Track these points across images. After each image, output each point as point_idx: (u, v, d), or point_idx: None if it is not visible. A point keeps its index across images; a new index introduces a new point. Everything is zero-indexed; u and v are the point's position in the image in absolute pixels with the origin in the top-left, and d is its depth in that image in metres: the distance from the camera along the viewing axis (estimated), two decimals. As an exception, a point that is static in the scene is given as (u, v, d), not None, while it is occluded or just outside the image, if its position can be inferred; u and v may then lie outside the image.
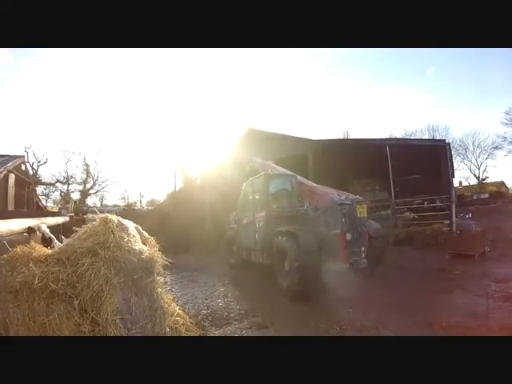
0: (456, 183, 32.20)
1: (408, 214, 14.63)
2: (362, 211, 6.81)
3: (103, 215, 3.29)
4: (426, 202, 15.50)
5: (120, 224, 3.25)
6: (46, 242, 3.38)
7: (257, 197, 8.58)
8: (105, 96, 70.64)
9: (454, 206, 13.02)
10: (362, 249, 6.54)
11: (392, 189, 14.03)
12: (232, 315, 5.50)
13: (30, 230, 3.21)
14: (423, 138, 39.96)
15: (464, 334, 4.06)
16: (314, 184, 8.52)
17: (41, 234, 3.25)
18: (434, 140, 30.24)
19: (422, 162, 16.01)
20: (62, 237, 6.02)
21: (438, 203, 14.69)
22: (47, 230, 3.45)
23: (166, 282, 7.70)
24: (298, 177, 8.73)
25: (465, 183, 40.16)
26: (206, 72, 71.71)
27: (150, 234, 3.70)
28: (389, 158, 13.91)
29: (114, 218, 3.30)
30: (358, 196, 7.34)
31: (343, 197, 7.07)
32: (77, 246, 2.96)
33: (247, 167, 10.90)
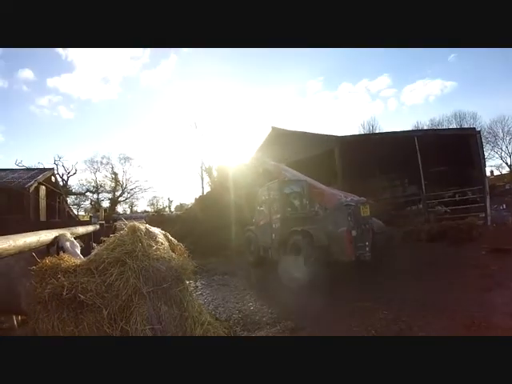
0: (487, 173, 31.09)
1: (440, 207, 14.11)
2: (365, 210, 7.87)
3: (131, 224, 3.25)
4: (456, 195, 14.87)
5: (148, 232, 3.20)
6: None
7: (272, 201, 9.47)
8: (130, 102, 71.85)
9: (488, 198, 12.47)
10: (367, 243, 7.55)
11: (422, 182, 13.60)
12: (264, 319, 5.37)
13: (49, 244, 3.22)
14: (450, 127, 38.87)
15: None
16: (324, 186, 9.37)
17: (55, 248, 3.23)
18: (463, 129, 29.20)
19: (451, 153, 15.50)
20: (94, 244, 6.09)
21: (469, 195, 14.15)
22: (67, 244, 3.41)
23: (197, 287, 7.77)
24: (309, 179, 9.72)
25: (496, 172, 38.60)
26: (230, 72, 72.21)
27: (178, 239, 3.65)
28: (417, 150, 13.52)
29: (142, 226, 3.25)
30: (362, 197, 8.28)
31: (349, 198, 8.06)
32: (105, 256, 2.92)
33: (260, 169, 11.68)
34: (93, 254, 4.21)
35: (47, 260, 2.98)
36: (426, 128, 39.28)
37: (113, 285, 2.73)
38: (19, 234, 2.57)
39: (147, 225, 3.36)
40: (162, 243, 3.18)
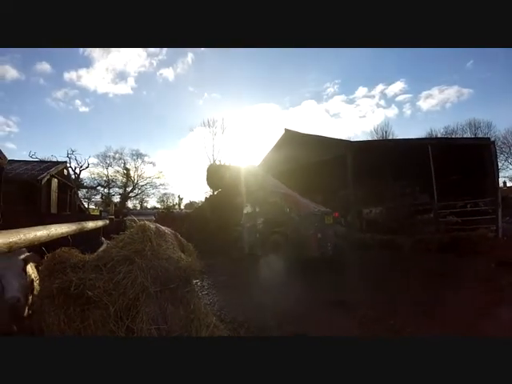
0: (500, 184, 30.61)
1: (451, 217, 13.92)
2: (328, 219, 10.25)
3: (141, 223, 3.25)
4: (468, 205, 14.64)
5: (158, 231, 3.19)
6: None
7: (257, 207, 11.86)
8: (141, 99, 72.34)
9: (500, 210, 12.29)
10: (329, 244, 9.87)
11: (435, 191, 13.44)
12: (269, 323, 5.33)
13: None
14: (465, 136, 38.42)
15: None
16: (299, 197, 11.80)
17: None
18: (477, 138, 28.91)
19: (463, 162, 15.32)
20: (102, 238, 6.12)
21: (481, 206, 13.93)
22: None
23: (203, 286, 7.78)
24: (289, 191, 12.15)
25: (509, 184, 38.01)
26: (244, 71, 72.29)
27: (188, 238, 3.64)
28: (431, 159, 13.38)
29: (152, 225, 3.24)
30: (328, 209, 11.04)
31: (317, 209, 10.74)
32: (114, 254, 2.92)
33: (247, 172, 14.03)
34: (101, 249, 4.22)
35: (56, 254, 2.99)
36: (439, 136, 38.97)
37: (120, 283, 2.71)
38: (30, 228, 2.56)
39: (157, 224, 3.35)
40: (171, 243, 3.17)
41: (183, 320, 2.84)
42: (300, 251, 9.63)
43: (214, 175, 16.72)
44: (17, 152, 67.95)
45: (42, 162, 27.24)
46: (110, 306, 2.67)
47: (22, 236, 2.29)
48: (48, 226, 3.16)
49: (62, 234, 3.59)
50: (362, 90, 75.39)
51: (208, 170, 17.67)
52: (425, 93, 77.98)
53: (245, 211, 12.38)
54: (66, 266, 2.85)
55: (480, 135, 37.99)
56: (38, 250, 3.03)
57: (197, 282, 3.27)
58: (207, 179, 17.52)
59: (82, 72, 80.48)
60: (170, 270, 2.85)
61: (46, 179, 20.02)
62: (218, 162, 30.91)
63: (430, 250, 10.97)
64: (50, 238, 3.11)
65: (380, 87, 78.64)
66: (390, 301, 6.19)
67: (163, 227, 3.37)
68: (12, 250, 2.25)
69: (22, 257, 3.00)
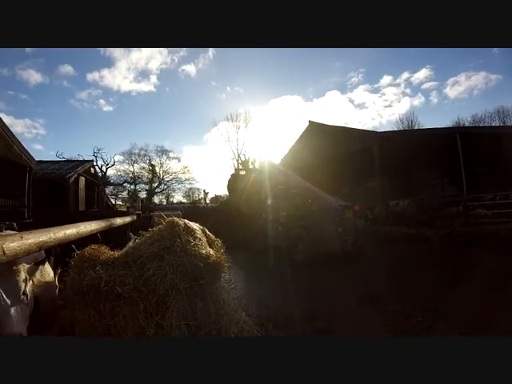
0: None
1: (480, 210, 13.45)
2: (348, 213, 10.56)
3: (169, 219, 3.24)
4: (497, 197, 14.01)
5: (187, 227, 3.17)
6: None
7: (280, 201, 12.00)
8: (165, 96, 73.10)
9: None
10: (349, 238, 10.00)
11: (464, 182, 13.04)
12: (295, 317, 5.28)
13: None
14: (493, 124, 37.19)
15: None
16: (320, 192, 12.04)
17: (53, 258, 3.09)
18: (508, 127, 27.90)
19: (492, 152, 14.77)
20: (130, 233, 6.21)
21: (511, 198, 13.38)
22: None
23: (230, 280, 7.79)
24: (310, 186, 12.48)
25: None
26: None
27: (214, 232, 3.62)
28: (459, 148, 12.98)
29: (181, 221, 3.23)
30: (348, 202, 11.26)
31: (337, 203, 10.90)
32: (143, 251, 2.91)
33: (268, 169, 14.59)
34: (130, 245, 4.24)
35: (86, 251, 3.01)
36: (467, 124, 37.87)
37: (150, 279, 2.70)
38: (59, 227, 2.59)
39: (186, 220, 3.34)
40: (199, 239, 3.13)
41: (213, 316, 2.81)
42: (321, 245, 9.65)
43: (234, 184, 17.12)
44: (44, 152, 70.03)
45: (69, 161, 27.97)
46: (139, 303, 2.66)
47: (51, 235, 2.31)
48: (77, 224, 3.19)
49: (92, 231, 3.64)
50: (386, 79, 73.89)
51: (229, 181, 18.03)
52: (451, 80, 75.68)
53: (267, 205, 12.54)
54: (96, 263, 2.86)
55: (509, 123, 36.72)
56: (67, 247, 3.05)
57: (224, 276, 3.23)
58: (228, 188, 17.96)
59: (105, 72, 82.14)
60: (199, 266, 2.82)
61: (73, 178, 20.55)
62: (242, 158, 30.86)
63: (458, 244, 10.64)
64: (80, 235, 3.14)
65: (405, 75, 76.82)
66: (419, 297, 6.03)
67: (191, 223, 3.35)
68: (42, 249, 2.27)
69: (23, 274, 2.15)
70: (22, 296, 2.04)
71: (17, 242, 1.79)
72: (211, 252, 3.06)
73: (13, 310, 1.93)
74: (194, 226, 3.33)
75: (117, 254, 3.12)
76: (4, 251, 1.64)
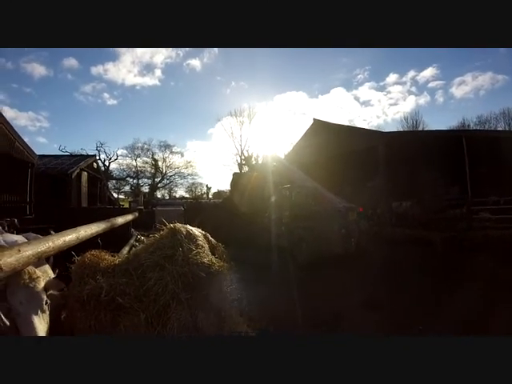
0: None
1: (484, 214, 13.20)
2: (352, 215, 10.25)
3: (171, 226, 3.19)
4: (501, 201, 13.75)
5: (189, 235, 3.12)
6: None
7: (284, 201, 11.93)
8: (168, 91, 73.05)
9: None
10: (352, 239, 9.79)
11: (468, 184, 12.93)
12: (299, 321, 5.21)
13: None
14: (498, 126, 37.01)
15: None
16: (325, 192, 11.93)
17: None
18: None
19: (496, 154, 14.65)
20: (132, 229, 6.17)
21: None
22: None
23: (232, 280, 7.70)
24: (315, 185, 12.44)
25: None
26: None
27: (217, 229, 3.58)
28: (465, 150, 12.89)
29: (183, 228, 3.18)
30: (352, 204, 10.85)
31: (341, 204, 10.68)
32: (143, 259, 2.86)
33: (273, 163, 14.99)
34: (131, 243, 4.18)
35: (86, 258, 2.95)
36: (472, 125, 37.70)
37: (151, 289, 2.66)
38: (58, 234, 2.55)
39: (188, 226, 3.28)
40: (202, 246, 3.08)
41: (214, 327, 2.76)
42: (324, 246, 9.48)
43: (238, 183, 16.88)
44: (48, 146, 69.69)
45: (71, 156, 27.98)
46: (140, 313, 2.62)
47: (50, 244, 2.25)
48: (77, 228, 3.14)
49: (92, 234, 3.59)
50: (392, 77, 73.24)
51: (232, 179, 17.87)
52: (458, 79, 75.30)
53: (271, 203, 12.47)
54: (96, 270, 2.81)
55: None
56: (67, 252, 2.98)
57: (226, 284, 3.17)
58: (231, 187, 17.85)
59: (109, 66, 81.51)
60: (201, 276, 2.77)
61: (75, 173, 20.52)
62: (245, 154, 30.65)
63: (462, 248, 10.45)
64: (80, 240, 3.09)
65: (411, 73, 76.14)
66: (419, 304, 5.96)
67: (194, 229, 3.30)
68: (41, 258, 2.22)
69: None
70: (44, 306, 2.07)
71: (14, 257, 1.74)
72: (213, 260, 3.02)
73: (36, 319, 1.97)
74: (196, 232, 3.29)
75: (117, 260, 3.07)
76: (1, 267, 1.60)
